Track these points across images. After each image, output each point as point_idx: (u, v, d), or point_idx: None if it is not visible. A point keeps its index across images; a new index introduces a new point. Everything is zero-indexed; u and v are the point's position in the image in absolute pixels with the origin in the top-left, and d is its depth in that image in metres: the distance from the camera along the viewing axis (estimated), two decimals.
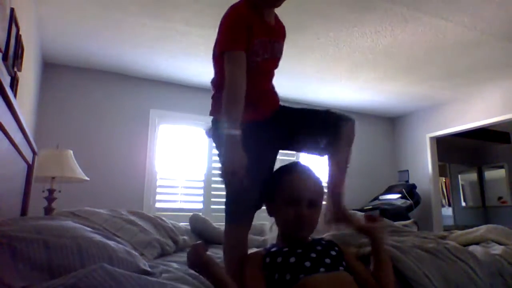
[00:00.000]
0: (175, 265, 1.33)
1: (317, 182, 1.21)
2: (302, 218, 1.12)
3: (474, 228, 2.17)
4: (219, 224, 2.52)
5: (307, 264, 1.05)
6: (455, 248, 1.44)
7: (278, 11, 1.34)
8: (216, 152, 1.32)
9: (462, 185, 7.26)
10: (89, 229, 1.20)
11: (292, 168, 1.23)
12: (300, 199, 1.13)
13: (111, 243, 1.12)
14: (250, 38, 1.19)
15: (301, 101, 4.83)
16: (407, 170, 5.27)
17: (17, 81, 2.02)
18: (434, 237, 2.01)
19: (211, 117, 1.36)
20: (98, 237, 1.11)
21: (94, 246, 1.03)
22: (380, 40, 3.15)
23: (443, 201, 7.02)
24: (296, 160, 1.27)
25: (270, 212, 1.23)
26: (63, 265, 0.93)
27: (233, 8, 1.24)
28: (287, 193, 1.16)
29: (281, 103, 1.43)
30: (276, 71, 1.40)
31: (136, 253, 1.22)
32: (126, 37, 3.14)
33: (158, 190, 3.95)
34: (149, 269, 1.15)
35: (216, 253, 1.78)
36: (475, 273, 1.31)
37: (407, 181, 5.12)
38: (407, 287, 1.11)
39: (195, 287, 1.03)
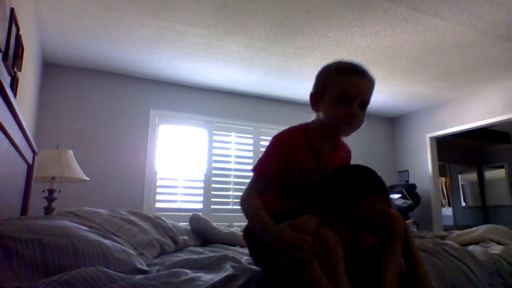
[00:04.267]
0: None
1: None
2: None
3: (474, 228, 2.17)
4: (219, 224, 2.53)
5: None
6: (452, 247, 1.44)
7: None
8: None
9: (462, 185, 7.25)
10: (85, 228, 1.19)
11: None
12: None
13: (107, 242, 1.12)
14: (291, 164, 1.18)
15: (300, 101, 4.84)
16: (407, 170, 5.27)
17: (17, 81, 2.02)
18: (432, 236, 2.01)
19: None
20: (94, 236, 1.11)
21: (89, 245, 1.03)
22: (380, 40, 3.15)
23: (443, 201, 7.01)
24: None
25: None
26: (58, 264, 0.93)
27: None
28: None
29: None
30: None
31: (133, 252, 1.21)
32: (126, 37, 3.14)
33: (158, 190, 3.96)
34: (146, 268, 1.15)
35: (217, 252, 1.78)
36: (472, 273, 1.31)
37: (407, 181, 5.12)
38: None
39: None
